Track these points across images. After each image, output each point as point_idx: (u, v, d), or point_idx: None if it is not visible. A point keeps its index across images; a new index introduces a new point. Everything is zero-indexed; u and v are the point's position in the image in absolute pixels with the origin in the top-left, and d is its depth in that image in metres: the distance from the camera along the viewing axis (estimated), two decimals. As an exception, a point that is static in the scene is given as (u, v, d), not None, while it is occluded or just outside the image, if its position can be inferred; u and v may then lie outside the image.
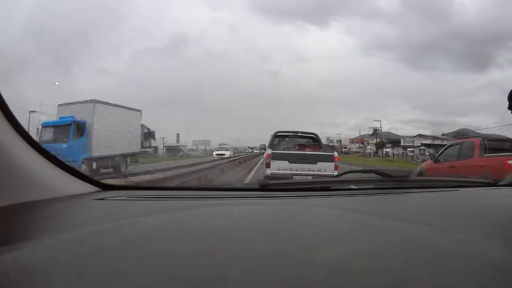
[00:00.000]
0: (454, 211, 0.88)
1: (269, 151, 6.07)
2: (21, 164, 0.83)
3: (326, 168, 5.64)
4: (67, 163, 1.01)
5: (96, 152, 11.82)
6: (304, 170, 5.63)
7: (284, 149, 6.42)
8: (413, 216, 0.78)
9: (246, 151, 40.41)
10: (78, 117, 11.57)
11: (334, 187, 1.29)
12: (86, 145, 11.53)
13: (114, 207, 0.92)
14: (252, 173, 10.18)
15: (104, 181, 1.15)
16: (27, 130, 0.88)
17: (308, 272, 0.40)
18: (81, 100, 12.39)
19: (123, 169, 12.77)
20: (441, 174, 5.79)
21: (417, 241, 0.54)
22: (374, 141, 54.93)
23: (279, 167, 5.70)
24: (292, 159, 5.81)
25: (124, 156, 13.50)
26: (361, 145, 64.14)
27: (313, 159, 5.78)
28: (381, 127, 50.63)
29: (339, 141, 65.58)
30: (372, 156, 47.88)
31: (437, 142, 44.75)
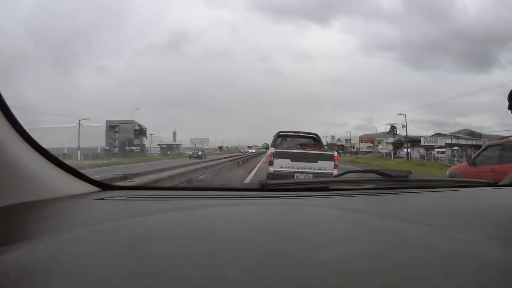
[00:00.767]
0: (454, 211, 0.88)
1: (272, 150, 6.32)
2: (21, 164, 0.83)
3: (326, 167, 5.89)
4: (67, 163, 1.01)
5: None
6: (305, 168, 5.88)
7: (286, 148, 6.65)
8: (413, 216, 0.78)
9: (242, 150, 36.74)
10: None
11: (334, 187, 1.29)
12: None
13: (114, 207, 0.92)
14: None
15: (104, 181, 1.15)
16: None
17: (308, 272, 0.40)
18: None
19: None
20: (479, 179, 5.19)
21: (417, 241, 0.54)
22: (389, 140, 49.52)
23: (282, 165, 5.97)
24: (293, 157, 6.07)
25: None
26: (371, 145, 60.06)
27: (314, 158, 6.04)
28: (406, 123, 40.84)
29: (348, 139, 62.15)
30: (391, 157, 42.16)
31: (461, 142, 41.07)
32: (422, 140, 44.64)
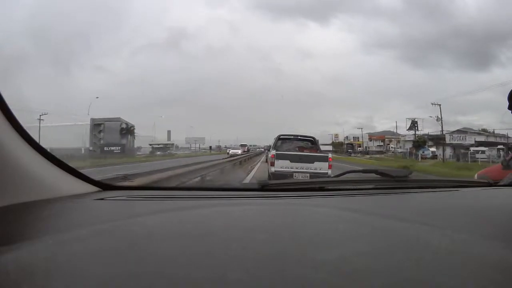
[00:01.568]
0: (454, 211, 0.88)
1: (273, 152, 7.05)
2: (21, 164, 0.83)
3: (321, 167, 6.58)
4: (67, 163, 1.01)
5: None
6: (302, 169, 6.55)
7: (286, 150, 7.38)
8: (413, 216, 0.78)
9: (230, 152, 27.13)
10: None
11: (334, 187, 1.29)
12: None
13: (114, 207, 0.92)
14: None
15: (104, 181, 1.15)
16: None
17: (308, 272, 0.40)
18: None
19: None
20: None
21: (417, 241, 0.54)
22: (404, 138, 44.38)
23: (282, 166, 6.62)
24: (292, 159, 6.72)
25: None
26: (382, 143, 54.30)
27: (311, 159, 6.71)
28: (440, 114, 34.03)
29: (356, 137, 55.99)
30: (417, 157, 34.83)
31: (490, 139, 37.01)
32: (448, 137, 37.73)
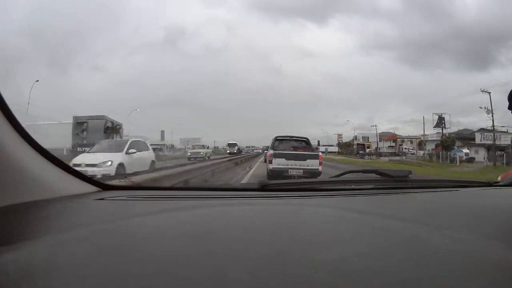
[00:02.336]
0: (454, 211, 0.88)
1: (271, 151, 8.16)
2: (21, 164, 0.83)
3: (312, 164, 7.62)
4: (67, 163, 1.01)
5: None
6: (296, 165, 7.58)
7: (282, 150, 8.35)
8: (413, 216, 0.78)
9: (189, 153, 21.90)
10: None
11: (334, 187, 1.28)
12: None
13: (114, 207, 0.92)
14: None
15: (104, 181, 1.15)
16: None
17: (308, 272, 0.40)
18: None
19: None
20: None
21: (417, 241, 0.54)
22: (426, 137, 38.98)
23: (279, 163, 7.63)
24: (288, 157, 7.74)
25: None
26: (393, 144, 49.30)
27: (303, 157, 7.74)
28: (491, 106, 28.24)
29: (366, 137, 51.02)
30: (455, 161, 29.06)
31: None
32: (478, 137, 33.10)
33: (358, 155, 43.18)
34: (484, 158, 28.96)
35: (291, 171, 7.46)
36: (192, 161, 11.82)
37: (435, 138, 37.39)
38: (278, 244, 0.50)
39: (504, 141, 31.92)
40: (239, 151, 36.28)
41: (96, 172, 6.28)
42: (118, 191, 1.12)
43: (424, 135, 42.36)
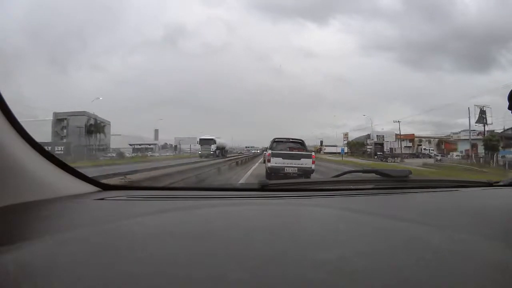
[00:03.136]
0: (454, 211, 0.88)
1: (269, 151, 9.05)
2: (21, 164, 0.83)
3: (306, 163, 8.55)
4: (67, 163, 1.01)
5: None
6: (292, 164, 8.55)
7: (279, 150, 9.31)
8: (413, 216, 0.78)
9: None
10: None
11: (334, 187, 1.28)
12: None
13: (114, 207, 0.92)
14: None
15: (104, 181, 1.15)
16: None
17: (308, 272, 0.40)
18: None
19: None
20: None
21: (417, 241, 0.54)
22: (459, 136, 33.77)
23: (276, 162, 8.57)
24: (284, 156, 8.70)
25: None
26: (411, 144, 42.81)
27: (298, 157, 8.71)
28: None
29: (381, 136, 44.35)
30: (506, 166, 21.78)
31: None
32: None
33: (376, 156, 36.67)
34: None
35: (287, 169, 8.44)
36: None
37: (465, 137, 31.74)
38: (278, 244, 0.50)
39: None
40: (221, 152, 25.75)
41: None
42: (118, 191, 1.12)
43: (454, 133, 36.64)
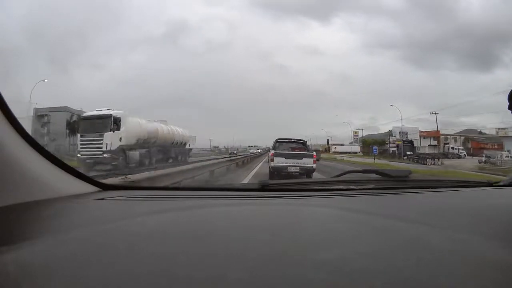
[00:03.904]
0: (454, 211, 0.88)
1: (272, 151, 9.49)
2: (21, 164, 0.83)
3: (307, 162, 8.91)
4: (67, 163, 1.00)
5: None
6: (294, 163, 8.89)
7: (282, 150, 9.67)
8: (413, 216, 0.78)
9: None
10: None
11: (334, 187, 1.29)
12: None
13: (114, 207, 0.92)
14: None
15: (104, 181, 1.15)
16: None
17: (308, 272, 0.40)
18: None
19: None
20: None
21: (417, 241, 0.54)
22: (505, 133, 29.18)
23: (279, 161, 8.91)
24: (287, 156, 9.04)
25: None
26: (436, 142, 38.43)
27: (300, 157, 9.08)
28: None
29: (404, 132, 37.88)
30: None
31: None
32: None
33: (406, 157, 30.52)
34: None
35: (290, 168, 8.77)
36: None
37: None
38: (278, 244, 0.50)
39: None
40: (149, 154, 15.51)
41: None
42: (118, 191, 1.12)
43: (501, 128, 31.56)
